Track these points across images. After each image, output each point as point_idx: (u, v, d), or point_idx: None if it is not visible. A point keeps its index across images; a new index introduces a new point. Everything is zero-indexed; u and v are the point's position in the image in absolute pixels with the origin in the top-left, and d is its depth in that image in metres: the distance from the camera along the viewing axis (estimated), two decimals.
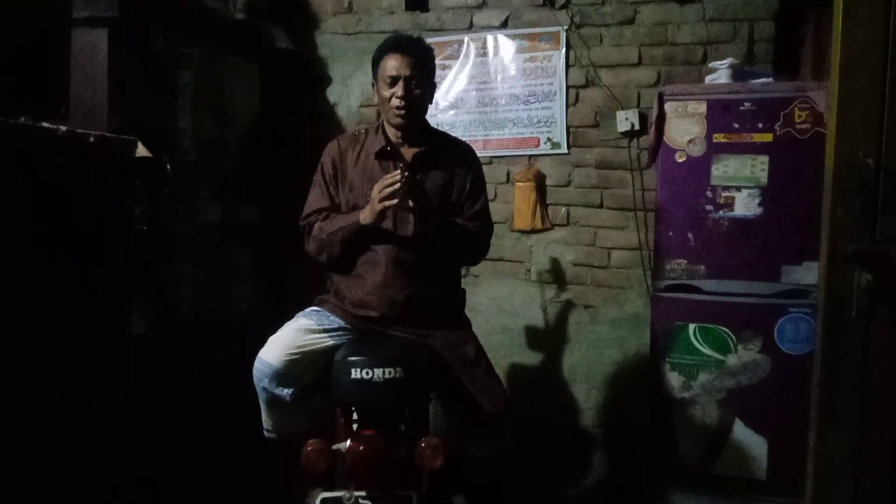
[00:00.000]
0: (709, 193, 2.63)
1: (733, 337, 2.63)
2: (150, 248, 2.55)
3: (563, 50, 3.24)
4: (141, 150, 2.31)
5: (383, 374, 1.94)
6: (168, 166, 2.44)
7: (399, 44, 2.22)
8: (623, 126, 3.16)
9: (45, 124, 2.05)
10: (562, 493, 2.98)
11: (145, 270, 2.56)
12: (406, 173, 2.02)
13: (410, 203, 2.05)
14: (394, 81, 2.17)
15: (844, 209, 1.71)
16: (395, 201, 2.02)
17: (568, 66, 3.25)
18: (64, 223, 2.13)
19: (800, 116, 2.54)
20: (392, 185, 2.01)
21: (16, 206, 1.95)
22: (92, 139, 2.16)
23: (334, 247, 2.19)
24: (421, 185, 2.13)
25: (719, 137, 2.62)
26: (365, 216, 2.11)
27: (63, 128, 2.09)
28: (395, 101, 2.18)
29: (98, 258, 2.28)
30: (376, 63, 2.23)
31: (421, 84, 2.21)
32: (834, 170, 1.71)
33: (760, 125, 2.58)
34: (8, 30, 2.26)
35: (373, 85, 2.29)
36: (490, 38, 3.36)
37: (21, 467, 1.94)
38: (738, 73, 2.75)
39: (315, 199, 2.29)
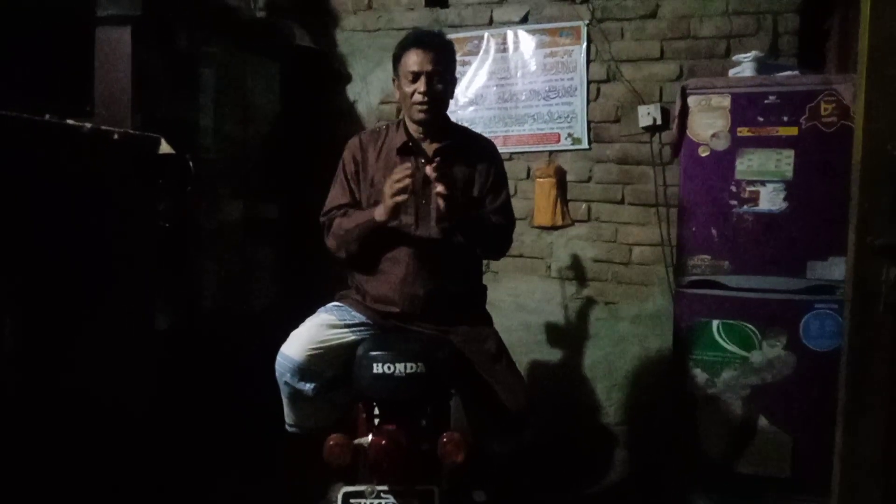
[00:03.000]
0: (733, 188, 2.61)
1: (758, 333, 2.60)
2: (173, 245, 2.57)
3: (584, 45, 3.22)
4: (164, 147, 2.33)
5: (405, 368, 1.94)
6: (191, 163, 2.46)
7: (420, 39, 2.20)
8: (645, 121, 3.13)
9: (70, 121, 2.07)
10: (583, 489, 2.96)
11: (169, 267, 2.58)
12: (435, 163, 2.01)
13: (441, 189, 1.99)
14: (415, 77, 2.16)
15: (872, 202, 1.68)
16: (405, 196, 2.01)
17: (589, 61, 3.23)
18: (88, 219, 2.15)
19: (826, 109, 2.51)
20: (402, 179, 1.99)
21: (41, 202, 1.97)
22: (116, 136, 2.18)
23: (351, 244, 2.18)
24: (451, 178, 2.09)
25: (744, 131, 2.60)
26: (379, 213, 2.08)
27: (88, 125, 2.11)
28: (418, 97, 2.17)
29: (122, 254, 2.30)
30: (397, 59, 2.22)
31: (443, 79, 2.20)
32: (861, 163, 1.69)
33: (786, 119, 2.55)
34: (33, 27, 2.29)
35: (394, 81, 2.28)
36: (510, 34, 3.35)
37: (46, 459, 1.97)
38: (763, 67, 2.72)
39: (336, 194, 2.29)
